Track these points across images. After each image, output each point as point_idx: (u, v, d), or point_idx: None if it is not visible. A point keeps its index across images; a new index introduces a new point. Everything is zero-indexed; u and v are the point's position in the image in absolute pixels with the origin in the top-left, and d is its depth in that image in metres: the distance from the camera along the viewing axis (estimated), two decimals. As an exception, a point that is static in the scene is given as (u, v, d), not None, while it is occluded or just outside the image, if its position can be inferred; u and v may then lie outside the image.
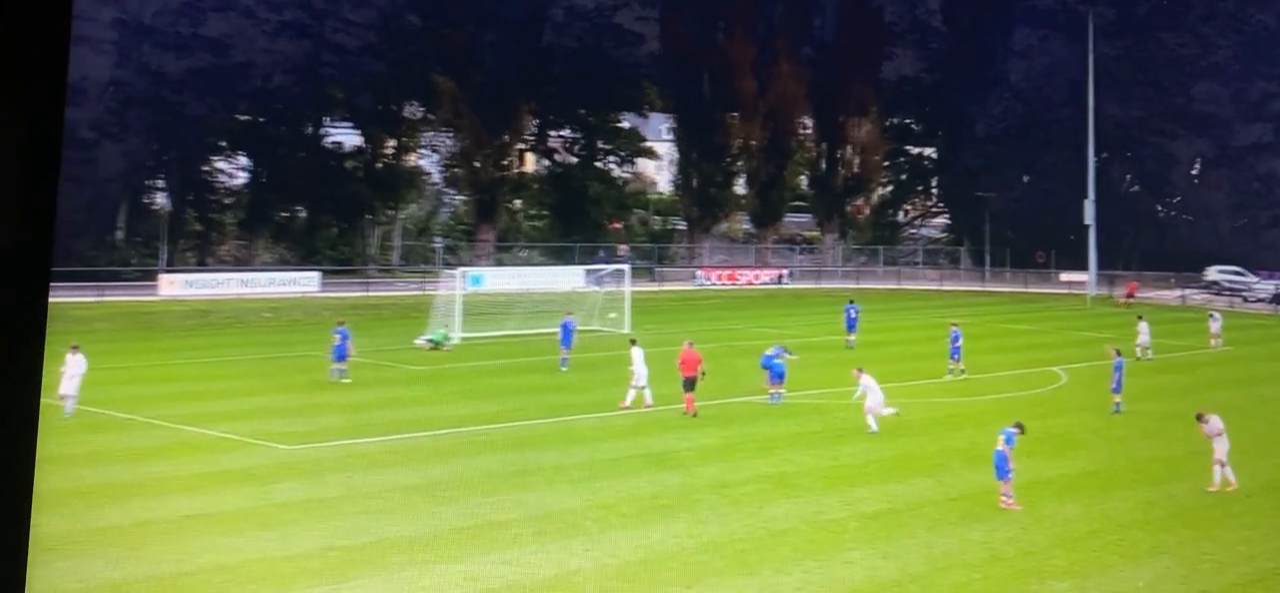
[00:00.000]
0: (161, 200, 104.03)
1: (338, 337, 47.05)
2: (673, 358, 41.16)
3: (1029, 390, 46.51)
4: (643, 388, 40.42)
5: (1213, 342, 61.87)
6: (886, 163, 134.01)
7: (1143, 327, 56.90)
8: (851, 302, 63.79)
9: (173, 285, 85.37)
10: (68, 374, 36.61)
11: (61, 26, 3.18)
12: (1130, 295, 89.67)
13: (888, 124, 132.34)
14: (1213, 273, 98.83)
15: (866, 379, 37.48)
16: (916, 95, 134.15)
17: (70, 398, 36.33)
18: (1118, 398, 40.99)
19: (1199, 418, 30.94)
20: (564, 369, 49.75)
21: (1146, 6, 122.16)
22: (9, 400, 3.04)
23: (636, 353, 41.16)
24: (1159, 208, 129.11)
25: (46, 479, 27.60)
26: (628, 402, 40.03)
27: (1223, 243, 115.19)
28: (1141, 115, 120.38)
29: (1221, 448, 29.63)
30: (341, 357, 46.47)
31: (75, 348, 37.60)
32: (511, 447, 33.98)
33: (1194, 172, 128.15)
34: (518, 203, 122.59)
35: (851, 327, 60.68)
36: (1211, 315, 65.74)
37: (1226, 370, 54.57)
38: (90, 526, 24.96)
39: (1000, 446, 27.27)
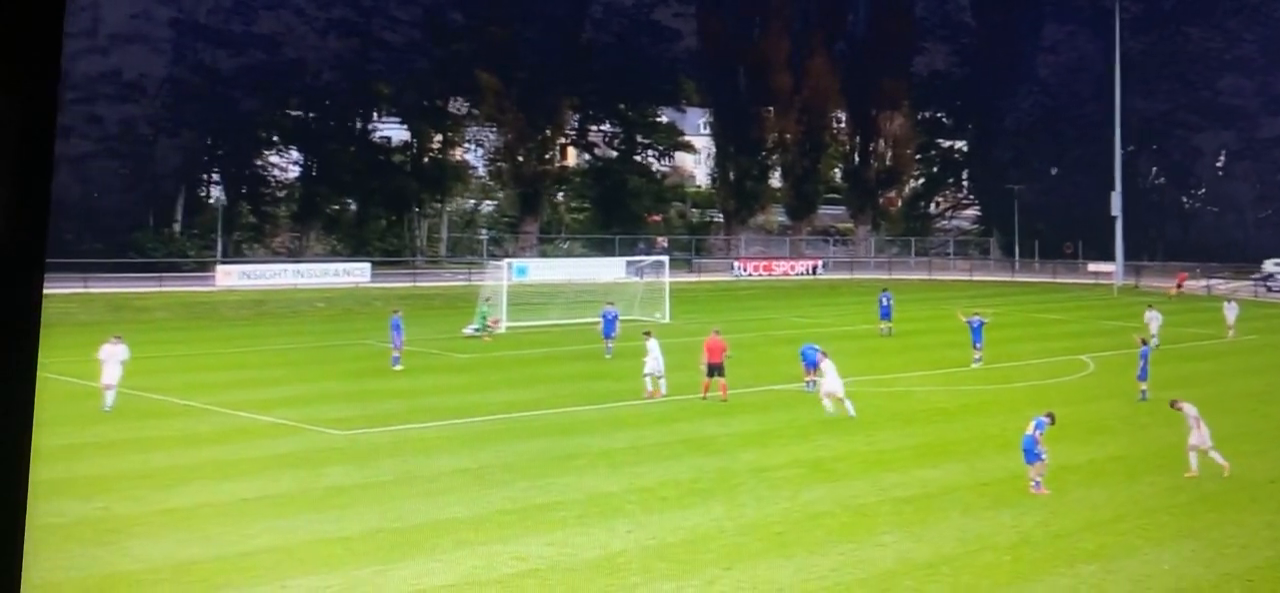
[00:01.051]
0: (217, 194, 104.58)
1: (394, 326, 47.22)
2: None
3: (1057, 378, 46.34)
4: (659, 378, 40.00)
5: (1229, 332, 60.20)
6: (918, 156, 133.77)
7: (1152, 316, 55.81)
8: (885, 290, 63.71)
9: (229, 276, 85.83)
10: (108, 365, 36.16)
11: (55, 20, 2.99)
12: (1180, 286, 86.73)
13: (919, 118, 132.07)
14: (1269, 266, 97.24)
15: (826, 365, 36.89)
16: (947, 90, 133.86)
17: (111, 389, 35.83)
18: (1144, 386, 40.75)
19: (1173, 405, 30.70)
20: (608, 358, 49.73)
21: (1172, 1, 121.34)
22: (4, 397, 2.91)
23: (652, 344, 40.62)
24: (1184, 200, 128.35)
25: (114, 463, 27.98)
26: (650, 390, 39.75)
27: (1248, 234, 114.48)
28: (1167, 109, 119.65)
29: (1198, 435, 29.33)
30: (397, 341, 46.67)
31: (117, 339, 37.20)
32: (557, 432, 34.00)
33: (1219, 164, 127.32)
34: (560, 196, 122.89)
35: (886, 315, 60.60)
36: (1227, 304, 64.04)
37: (1250, 359, 54.20)
38: (155, 508, 25.15)
39: (1030, 431, 27.25)
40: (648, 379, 39.91)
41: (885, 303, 61.13)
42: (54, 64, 2.98)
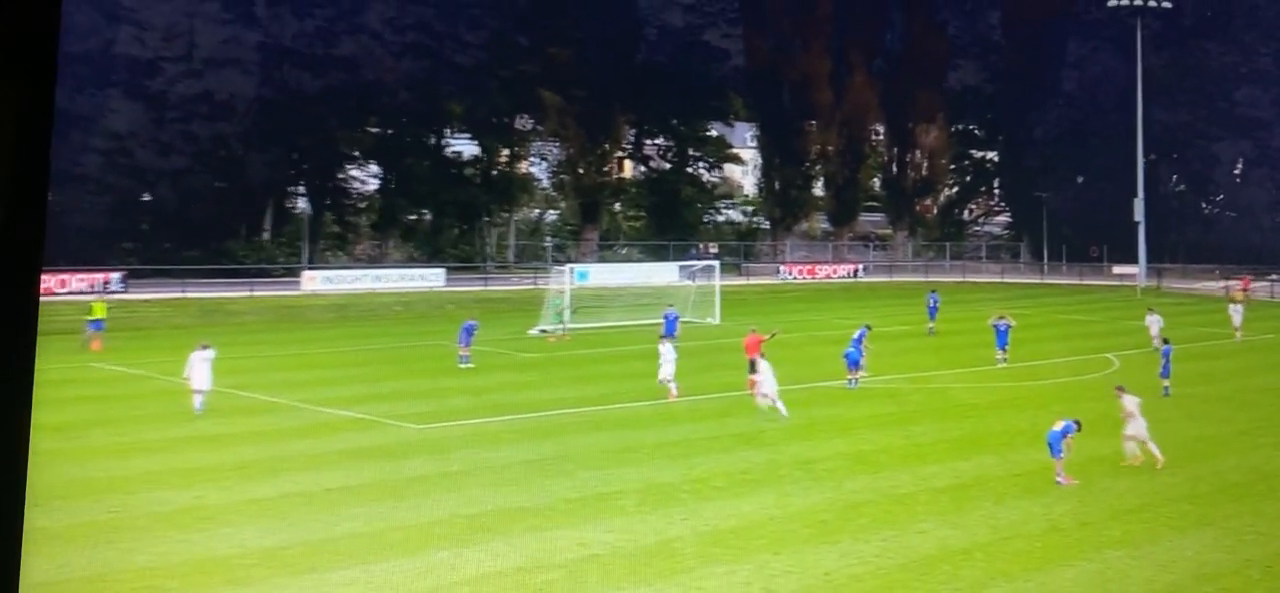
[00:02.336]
0: (303, 205, 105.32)
1: (465, 330, 47.43)
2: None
3: (1084, 375, 46.01)
4: (669, 381, 38.57)
5: (1236, 333, 58.05)
6: (952, 166, 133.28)
7: (1153, 319, 53.06)
8: (933, 291, 63.59)
9: (314, 282, 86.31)
10: (197, 370, 35.44)
11: (51, 20, 2.86)
12: (1245, 290, 79.96)
13: (953, 130, 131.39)
14: None
15: (763, 364, 36.13)
16: (979, 104, 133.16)
17: (201, 392, 35.12)
18: (1166, 382, 40.43)
19: (1118, 391, 30.27)
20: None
21: (1191, 17, 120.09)
22: (2, 397, 2.81)
23: (666, 348, 39.55)
24: (1204, 206, 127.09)
25: (206, 456, 28.22)
26: (675, 392, 38.38)
27: (1264, 238, 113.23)
28: (1187, 119, 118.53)
29: (1135, 426, 28.98)
30: (466, 340, 46.88)
31: (205, 345, 36.51)
32: (616, 426, 34.11)
33: (1236, 171, 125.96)
34: (618, 205, 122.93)
35: (933, 313, 60.45)
36: (1232, 305, 61.53)
37: (1267, 356, 53.66)
38: (245, 497, 25.36)
39: (1057, 428, 27.07)
40: (669, 384, 38.55)
41: (932, 303, 61.07)
42: (50, 64, 2.88)
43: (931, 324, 59.91)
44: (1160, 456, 28.42)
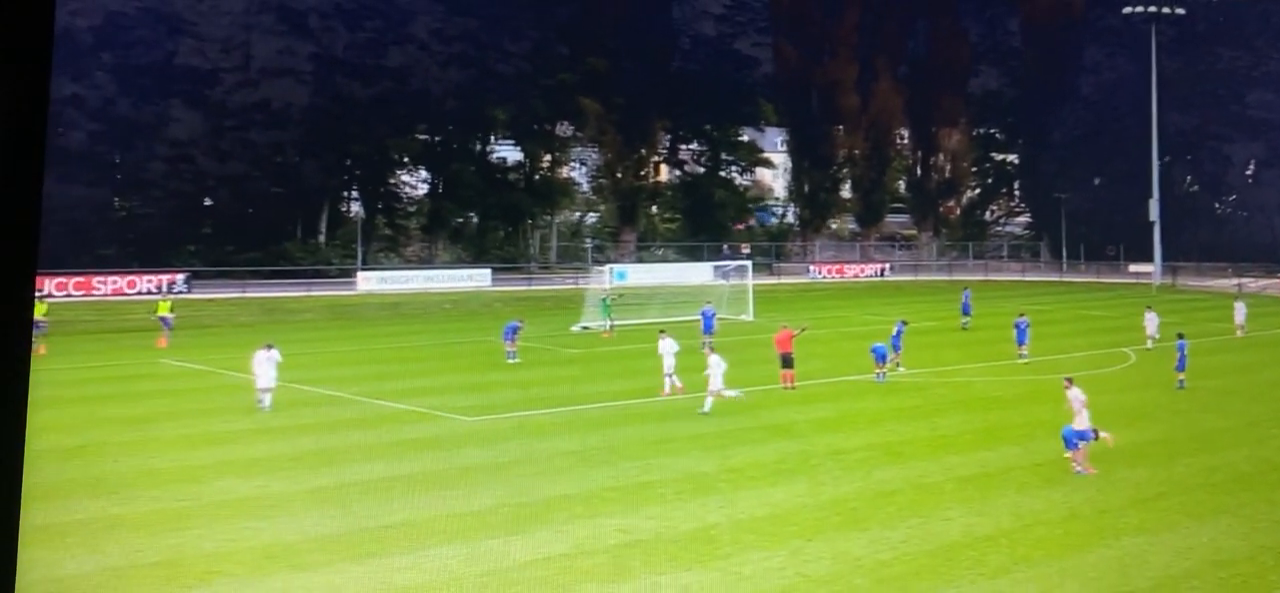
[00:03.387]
0: (356, 209, 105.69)
1: (508, 330, 47.54)
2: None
3: (1102, 369, 45.79)
4: (670, 376, 37.68)
5: (1238, 331, 56.32)
6: (974, 168, 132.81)
7: (1150, 317, 52.19)
8: (966, 289, 63.52)
9: (368, 281, 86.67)
10: (263, 369, 35.19)
11: (44, 27, 2.76)
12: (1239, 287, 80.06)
13: (975, 134, 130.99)
14: None
15: (713, 359, 35.76)
16: (1000, 108, 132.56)
17: (268, 391, 34.89)
18: (1181, 375, 40.22)
19: (1066, 382, 30.00)
20: (705, 352, 49.53)
21: (1204, 23, 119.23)
22: None
23: (667, 344, 38.46)
24: (1217, 205, 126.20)
25: (269, 447, 28.44)
26: (666, 391, 37.42)
27: (1276, 237, 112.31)
28: (1200, 122, 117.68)
29: (1081, 421, 28.76)
30: (511, 338, 47.01)
31: (269, 345, 36.06)
32: (655, 418, 34.11)
33: (1249, 172, 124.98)
34: (654, 208, 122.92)
35: (966, 310, 60.28)
36: (1236, 303, 60.15)
37: (1276, 352, 53.33)
38: (306, 487, 25.51)
39: (1076, 426, 26.96)
40: (667, 379, 37.68)
41: (967, 298, 61.06)
42: (44, 65, 2.79)
43: (966, 320, 59.76)
44: (1110, 437, 28.26)
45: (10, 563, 2.91)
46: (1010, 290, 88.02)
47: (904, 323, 45.59)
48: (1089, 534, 21.90)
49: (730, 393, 35.12)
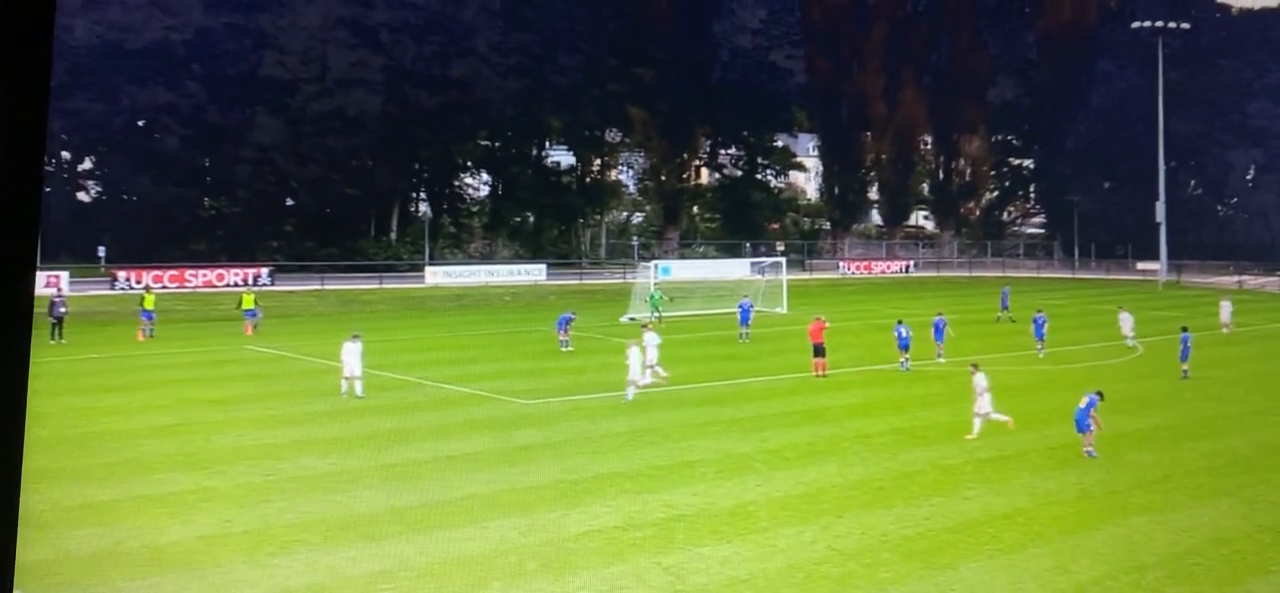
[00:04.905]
0: (424, 209, 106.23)
1: (562, 321, 47.56)
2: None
3: (1112, 360, 45.44)
4: (654, 366, 36.42)
5: (1223, 328, 53.59)
6: (993, 172, 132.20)
7: (1124, 317, 49.20)
8: (1006, 286, 63.23)
9: (434, 275, 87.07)
10: (350, 359, 34.49)
11: (44, 29, 2.64)
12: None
13: (993, 140, 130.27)
14: None
15: (633, 352, 34.74)
16: (1017, 116, 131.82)
17: (356, 379, 34.36)
18: (1185, 366, 39.85)
19: (971, 368, 29.74)
20: (744, 342, 49.52)
21: (1208, 37, 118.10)
22: None
23: (650, 337, 37.54)
24: (1219, 208, 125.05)
25: (344, 427, 28.67)
26: (647, 378, 35.70)
27: (1274, 237, 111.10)
28: (1204, 130, 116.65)
29: (982, 404, 28.60)
30: (564, 328, 47.08)
31: (356, 336, 35.47)
32: (696, 403, 34.08)
33: (1249, 177, 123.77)
34: (695, 208, 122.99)
35: (1005, 305, 59.69)
36: (1223, 301, 57.70)
37: (1274, 344, 52.72)
38: (377, 463, 25.69)
39: (1083, 405, 26.81)
40: (649, 371, 36.10)
41: (1005, 296, 60.76)
42: (44, 67, 2.69)
43: (1004, 313, 58.76)
44: (1008, 419, 28.35)
45: (9, 552, 2.76)
46: (1027, 286, 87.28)
47: (943, 317, 45.05)
48: (1099, 513, 21.77)
49: (645, 381, 34.44)
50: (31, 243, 2.68)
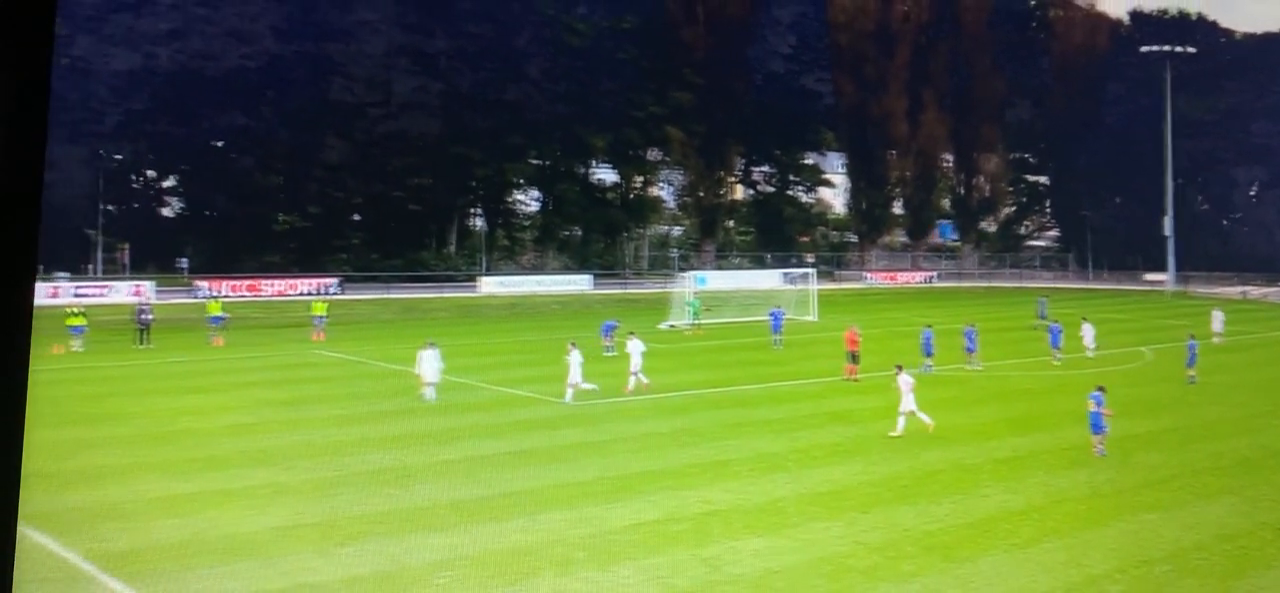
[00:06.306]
0: (480, 223, 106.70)
1: (606, 328, 47.59)
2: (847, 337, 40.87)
3: (1122, 365, 45.00)
4: (637, 373, 35.91)
5: (1215, 338, 51.62)
6: (1010, 188, 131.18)
7: (1086, 329, 47.06)
8: (1043, 296, 62.82)
9: (489, 285, 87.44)
10: (427, 365, 34.12)
11: (44, 33, 2.52)
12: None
13: (1011, 158, 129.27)
14: None
15: (574, 355, 34.30)
16: (1032, 135, 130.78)
17: (432, 385, 33.94)
18: (1192, 371, 39.41)
19: (897, 369, 29.47)
20: (776, 348, 49.35)
21: (1214, 61, 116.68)
22: None
23: (635, 345, 36.96)
24: (1224, 222, 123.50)
25: (406, 426, 28.84)
26: (630, 387, 35.55)
27: (1276, 250, 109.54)
28: (1210, 148, 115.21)
29: (906, 402, 28.41)
30: (608, 334, 47.11)
31: (431, 343, 35.20)
32: (731, 405, 34.10)
33: (1252, 192, 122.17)
34: (730, 222, 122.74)
35: (1042, 314, 59.08)
36: (1214, 312, 55.70)
37: (1275, 352, 52.06)
38: (436, 460, 25.77)
39: (1093, 408, 26.58)
40: (632, 377, 35.79)
41: (1042, 306, 60.33)
42: (45, 68, 2.55)
43: (1041, 321, 57.61)
44: (930, 422, 28.10)
45: (9, 552, 2.61)
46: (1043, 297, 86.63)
47: (975, 326, 44.55)
48: (1110, 510, 21.61)
49: (588, 386, 33.92)
50: (32, 243, 2.56)
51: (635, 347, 36.81)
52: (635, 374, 35.99)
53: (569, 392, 33.78)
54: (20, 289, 2.55)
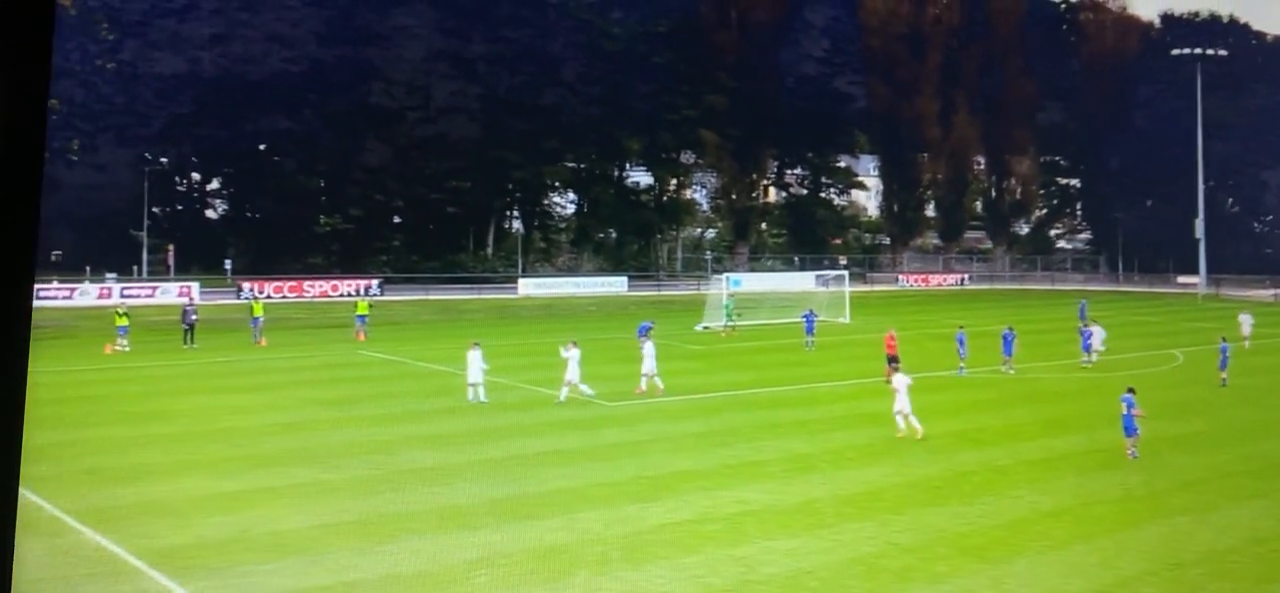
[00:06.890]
0: (517, 226, 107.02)
1: (641, 329, 47.42)
2: (882, 341, 40.69)
3: (1154, 368, 44.57)
4: (652, 376, 35.52)
5: (1244, 342, 49.99)
6: (1041, 191, 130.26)
7: (1096, 331, 45.71)
8: (1083, 300, 62.30)
9: (526, 287, 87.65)
10: (473, 366, 33.66)
11: (44, 37, 2.49)
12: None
13: (1042, 161, 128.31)
14: None
15: (571, 356, 33.97)
16: (1064, 138, 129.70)
17: (479, 385, 33.54)
18: (1223, 374, 38.96)
19: (891, 369, 29.10)
20: (809, 349, 49.21)
21: (1244, 64, 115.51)
22: None
23: (648, 347, 36.46)
24: (1255, 224, 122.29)
25: (449, 425, 28.90)
26: (642, 387, 35.27)
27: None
28: (1240, 151, 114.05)
29: (901, 402, 28.09)
30: (643, 335, 46.95)
31: (476, 344, 34.70)
32: (765, 406, 34.00)
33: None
34: (764, 224, 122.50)
35: (1082, 316, 58.46)
36: (1242, 315, 53.92)
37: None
38: (476, 458, 25.80)
39: (1125, 411, 26.33)
40: (644, 378, 35.50)
41: (1083, 309, 59.83)
42: (43, 68, 2.53)
43: (1083, 324, 56.89)
44: (920, 428, 27.73)
45: (9, 552, 2.61)
46: (1074, 298, 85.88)
47: (1012, 329, 44.09)
48: (1142, 513, 21.41)
49: (585, 388, 33.48)
50: (31, 242, 2.55)
51: (648, 349, 36.45)
52: (648, 375, 35.65)
53: (563, 390, 33.35)
54: (20, 289, 2.54)
